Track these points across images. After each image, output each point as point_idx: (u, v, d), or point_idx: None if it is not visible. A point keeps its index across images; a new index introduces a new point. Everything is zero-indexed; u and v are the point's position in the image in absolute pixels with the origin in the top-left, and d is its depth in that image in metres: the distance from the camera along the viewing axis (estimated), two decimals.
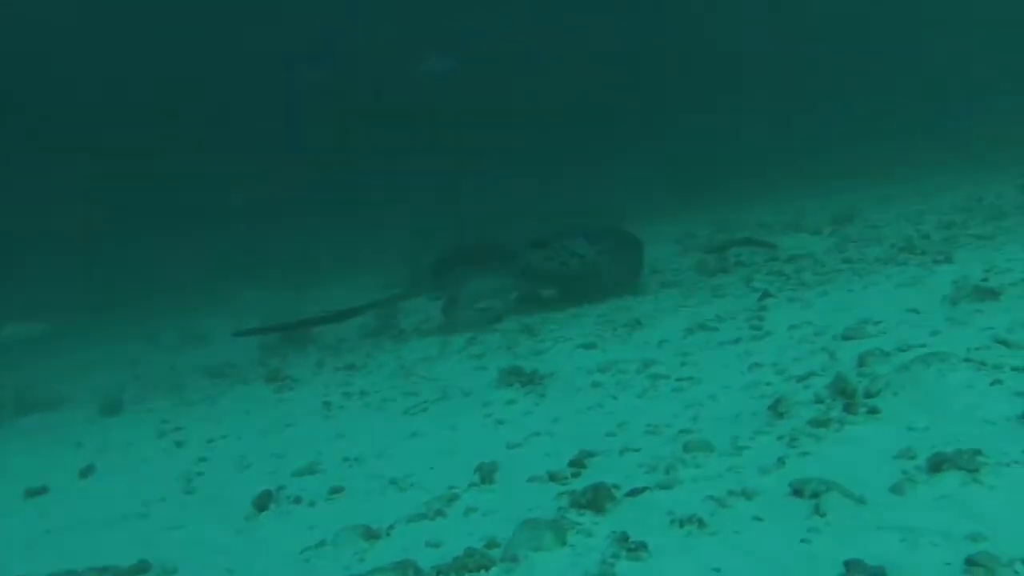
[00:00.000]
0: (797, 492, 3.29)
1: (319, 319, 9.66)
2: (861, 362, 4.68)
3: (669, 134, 29.98)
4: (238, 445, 6.04)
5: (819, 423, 3.95)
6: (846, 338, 5.33)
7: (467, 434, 5.18)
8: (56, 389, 10.01)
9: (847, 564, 2.71)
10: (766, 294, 7.20)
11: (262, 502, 4.54)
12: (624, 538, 3.20)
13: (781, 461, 3.66)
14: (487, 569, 3.23)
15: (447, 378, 6.75)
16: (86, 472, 5.99)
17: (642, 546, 3.12)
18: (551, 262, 9.10)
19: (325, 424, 6.17)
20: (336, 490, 4.58)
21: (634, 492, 3.66)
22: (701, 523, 3.24)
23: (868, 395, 4.17)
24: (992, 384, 3.95)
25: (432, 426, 5.50)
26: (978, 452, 3.23)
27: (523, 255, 9.31)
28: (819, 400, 4.28)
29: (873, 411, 3.99)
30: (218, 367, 9.71)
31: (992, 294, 5.44)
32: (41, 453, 7.11)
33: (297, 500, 4.55)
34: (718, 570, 2.90)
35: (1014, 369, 4.07)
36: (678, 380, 5.32)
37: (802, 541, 2.97)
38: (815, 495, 3.20)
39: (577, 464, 4.15)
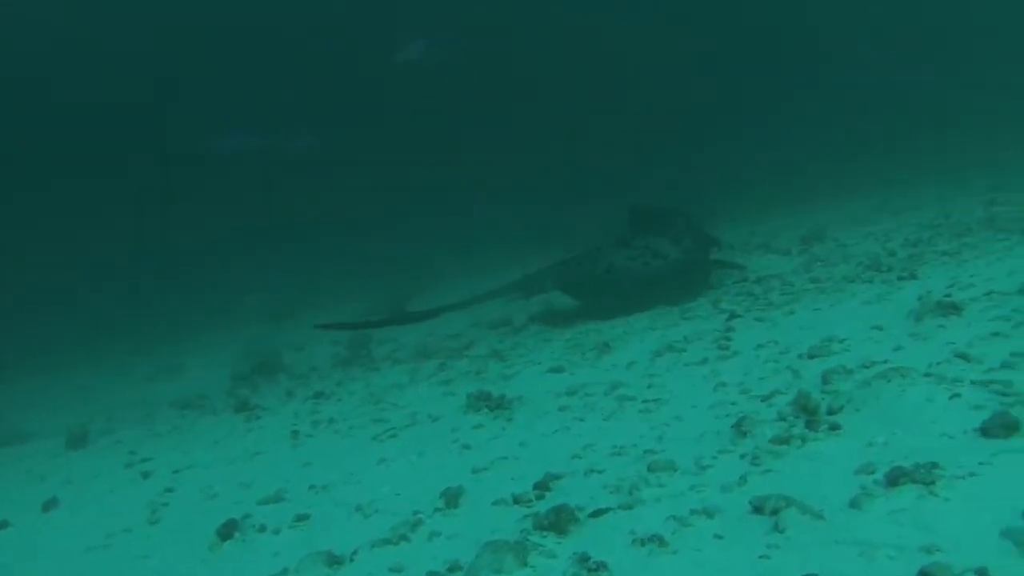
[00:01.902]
0: (757, 509, 3.30)
1: (407, 317, 9.47)
2: (825, 380, 4.71)
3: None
4: (205, 475, 5.97)
5: (781, 440, 3.97)
6: (811, 356, 5.36)
7: (434, 459, 5.15)
8: (22, 423, 9.87)
9: None
10: (733, 315, 7.23)
11: (227, 531, 4.48)
12: (585, 558, 3.19)
13: (743, 479, 3.67)
14: None
15: (416, 404, 6.72)
16: (49, 505, 5.90)
17: (602, 566, 3.11)
18: (634, 262, 9.01)
19: (293, 452, 6.12)
20: (302, 517, 4.53)
21: (597, 513, 3.65)
22: (662, 542, 3.23)
23: (830, 412, 4.19)
24: (951, 398, 3.98)
25: (400, 452, 5.46)
26: (935, 465, 3.25)
27: (606, 255, 9.21)
28: (782, 418, 4.29)
29: (834, 427, 4.01)
30: (189, 398, 9.60)
31: (955, 309, 5.48)
32: (3, 488, 7.00)
33: (262, 528, 4.50)
34: None
35: (973, 383, 4.11)
36: (645, 402, 5.32)
37: (761, 557, 2.97)
38: (775, 512, 3.21)
39: (542, 487, 4.14)
